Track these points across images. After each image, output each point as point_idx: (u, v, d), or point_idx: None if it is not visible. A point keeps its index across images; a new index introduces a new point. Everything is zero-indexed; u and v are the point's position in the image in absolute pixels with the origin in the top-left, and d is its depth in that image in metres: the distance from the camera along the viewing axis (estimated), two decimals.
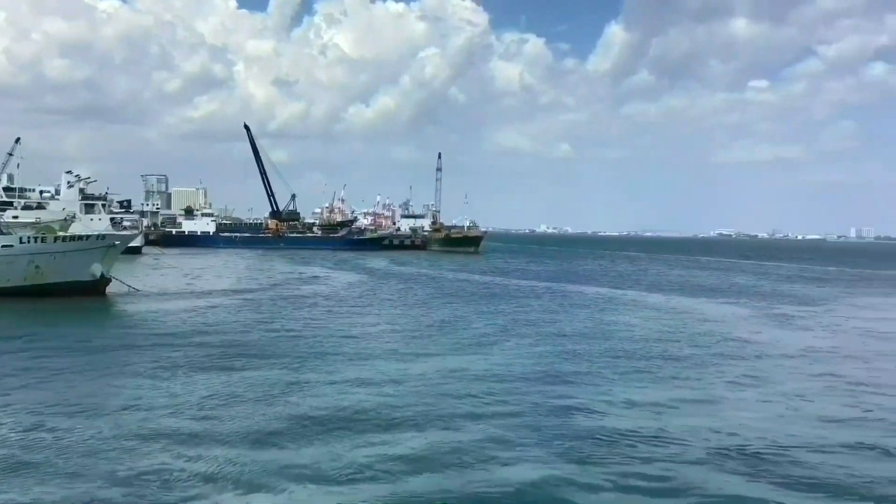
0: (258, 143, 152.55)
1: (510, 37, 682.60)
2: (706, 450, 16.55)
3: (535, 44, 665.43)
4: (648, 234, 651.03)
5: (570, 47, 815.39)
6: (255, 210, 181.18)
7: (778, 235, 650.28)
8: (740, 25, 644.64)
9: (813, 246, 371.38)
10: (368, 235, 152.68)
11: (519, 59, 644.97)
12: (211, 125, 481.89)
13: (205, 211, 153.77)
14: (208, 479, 14.13)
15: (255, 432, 16.96)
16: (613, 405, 20.49)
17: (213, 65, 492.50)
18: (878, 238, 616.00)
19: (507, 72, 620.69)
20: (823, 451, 16.77)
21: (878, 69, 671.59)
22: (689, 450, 16.52)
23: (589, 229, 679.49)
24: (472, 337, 32.73)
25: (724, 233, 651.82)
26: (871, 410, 20.80)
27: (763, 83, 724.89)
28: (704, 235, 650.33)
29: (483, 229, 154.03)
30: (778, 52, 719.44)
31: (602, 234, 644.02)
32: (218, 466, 14.73)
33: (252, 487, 13.79)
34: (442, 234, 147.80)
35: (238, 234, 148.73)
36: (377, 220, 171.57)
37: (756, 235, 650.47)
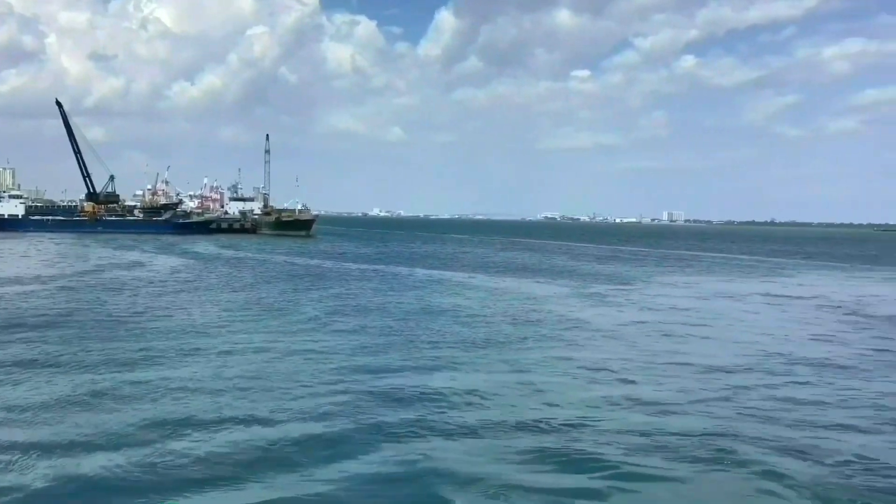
0: (72, 120, 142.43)
1: (341, 18, 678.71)
2: (518, 424, 17.35)
3: (366, 26, 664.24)
4: (479, 217, 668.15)
5: (401, 31, 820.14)
6: (70, 192, 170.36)
7: (598, 218, 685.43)
8: (563, 17, 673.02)
9: (629, 228, 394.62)
10: (195, 219, 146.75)
11: (350, 41, 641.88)
12: (20, 101, 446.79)
13: (12, 193, 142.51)
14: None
15: (55, 440, 15.70)
16: (432, 385, 20.94)
17: (23, 36, 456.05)
18: (687, 221, 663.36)
19: (338, 53, 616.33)
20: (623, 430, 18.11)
21: (689, 62, 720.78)
22: (500, 425, 17.24)
23: (421, 212, 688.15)
24: (300, 321, 32.51)
25: (550, 216, 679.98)
26: (667, 378, 22.58)
27: (585, 73, 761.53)
28: (532, 219, 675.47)
29: (315, 213, 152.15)
30: (598, 44, 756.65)
31: (434, 217, 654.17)
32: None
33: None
34: (272, 218, 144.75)
35: (50, 218, 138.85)
36: (204, 204, 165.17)
37: (578, 218, 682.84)
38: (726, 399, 20.29)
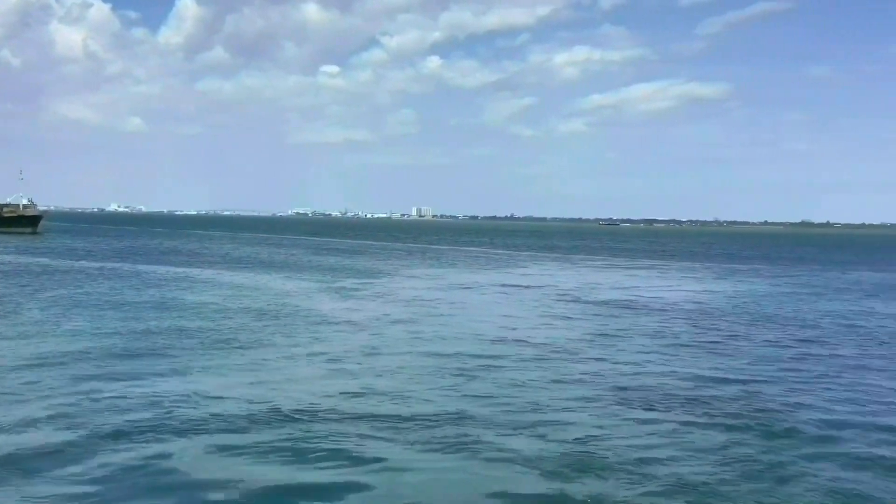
0: None
1: None
2: (256, 418, 17.16)
3: (100, 8, 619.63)
4: (227, 212, 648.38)
5: (139, 16, 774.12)
6: None
7: (350, 214, 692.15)
8: (311, 11, 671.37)
9: (380, 223, 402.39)
10: None
11: (82, 24, 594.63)
12: None
13: None
14: None
15: None
16: (166, 386, 20.01)
17: None
18: (435, 216, 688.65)
19: (68, 36, 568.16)
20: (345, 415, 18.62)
21: (434, 63, 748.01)
22: (240, 418, 16.95)
23: (165, 208, 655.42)
24: (24, 324, 29.79)
25: (301, 212, 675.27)
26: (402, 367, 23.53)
27: (334, 68, 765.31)
28: (282, 214, 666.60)
29: (43, 208, 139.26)
30: (347, 40, 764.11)
31: (179, 212, 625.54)
32: None
33: None
34: None
35: None
36: None
37: (330, 214, 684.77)
38: (462, 384, 21.26)
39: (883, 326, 35.82)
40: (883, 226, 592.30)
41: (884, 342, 31.11)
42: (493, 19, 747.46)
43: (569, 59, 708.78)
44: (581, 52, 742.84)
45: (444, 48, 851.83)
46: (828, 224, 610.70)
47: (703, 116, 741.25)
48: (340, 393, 19.88)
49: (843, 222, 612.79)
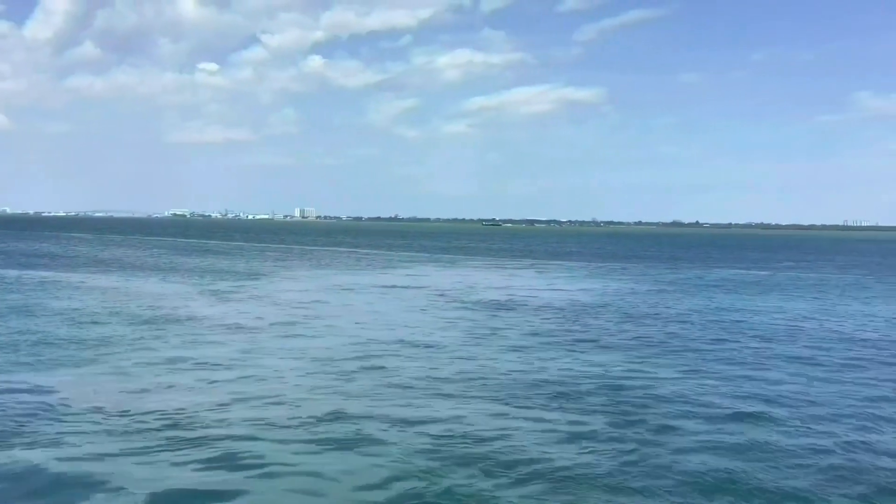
0: None
1: None
2: (128, 425, 16.77)
3: None
4: (99, 213, 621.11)
5: (4, 9, 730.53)
6: None
7: (231, 215, 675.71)
8: (188, 7, 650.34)
9: (262, 225, 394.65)
10: None
11: None
12: None
13: None
14: None
15: None
16: (33, 394, 19.33)
17: None
18: (319, 217, 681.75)
19: None
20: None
21: (316, 62, 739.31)
22: (106, 424, 16.61)
23: (31, 209, 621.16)
24: None
25: (179, 213, 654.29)
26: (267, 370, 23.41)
27: (213, 66, 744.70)
28: (159, 216, 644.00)
29: None
30: (226, 38, 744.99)
31: (47, 213, 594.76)
32: None
33: None
34: None
35: None
36: None
37: (210, 215, 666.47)
38: (340, 385, 21.33)
39: (742, 321, 38.10)
40: (748, 225, 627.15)
41: (743, 335, 33.13)
42: (376, 20, 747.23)
43: (451, 62, 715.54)
44: (463, 55, 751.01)
45: (327, 48, 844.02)
46: (697, 224, 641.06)
47: (581, 120, 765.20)
48: (216, 397, 19.58)
49: (711, 222, 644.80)
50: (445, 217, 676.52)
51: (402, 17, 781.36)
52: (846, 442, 16.87)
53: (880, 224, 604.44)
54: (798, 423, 18.44)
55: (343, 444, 15.91)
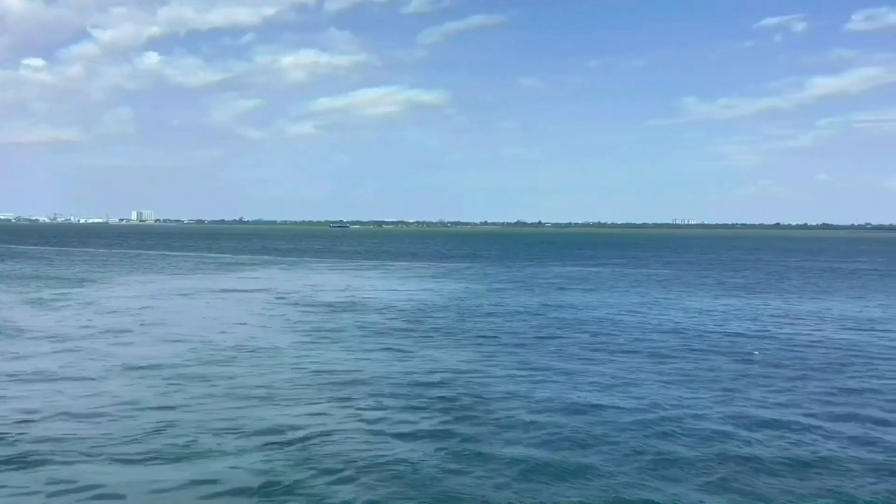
0: None
1: None
2: None
3: None
4: None
5: None
6: None
7: (60, 219, 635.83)
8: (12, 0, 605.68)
9: (95, 228, 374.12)
10: None
11: None
12: None
13: None
14: None
15: None
16: None
17: None
18: (158, 220, 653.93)
19: None
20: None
21: (153, 59, 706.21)
22: None
23: None
24: None
25: (3, 217, 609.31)
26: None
27: (39, 62, 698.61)
28: None
29: None
30: (52, 32, 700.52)
31: None
32: None
33: None
34: None
35: None
36: None
37: (37, 219, 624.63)
38: (173, 392, 20.73)
39: (573, 316, 39.91)
40: (586, 224, 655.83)
41: (571, 329, 34.72)
42: (217, 16, 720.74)
43: (296, 62, 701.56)
44: (308, 55, 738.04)
45: (164, 44, 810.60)
46: (539, 224, 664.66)
47: (427, 122, 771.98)
48: (38, 413, 18.47)
49: (552, 221, 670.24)
50: (293, 219, 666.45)
51: (244, 14, 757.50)
52: (665, 427, 18.13)
53: (706, 222, 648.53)
54: (624, 410, 19.61)
55: (173, 457, 15.44)
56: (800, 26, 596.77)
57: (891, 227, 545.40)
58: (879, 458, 15.83)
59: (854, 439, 17.13)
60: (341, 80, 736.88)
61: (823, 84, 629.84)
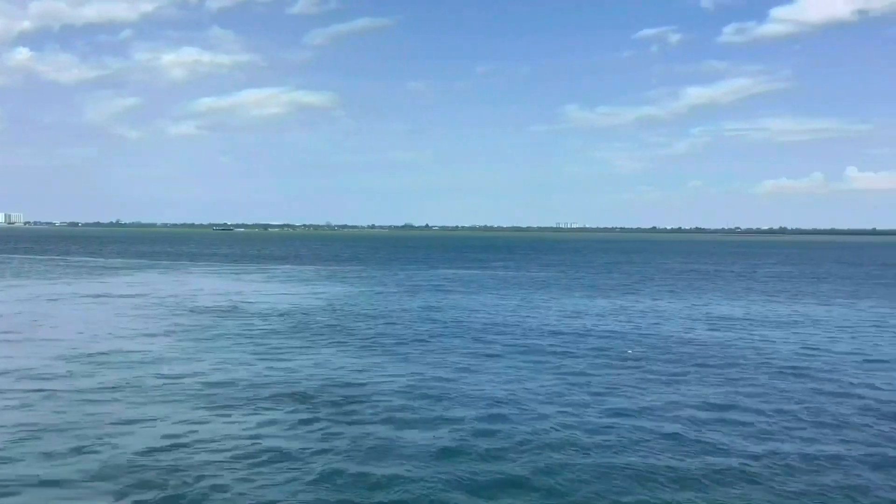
0: None
1: None
2: None
3: None
4: None
5: None
6: None
7: None
8: None
9: None
10: None
11: None
12: None
13: None
14: None
15: None
16: None
17: None
18: (28, 223, 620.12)
19: None
20: None
21: (23, 54, 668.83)
22: None
23: None
24: None
25: None
26: None
27: None
28: None
29: None
30: None
31: None
32: None
33: None
34: None
35: None
36: None
37: None
38: (37, 402, 20.03)
39: (455, 318, 40.61)
40: (473, 227, 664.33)
41: (450, 329, 35.34)
42: (92, 11, 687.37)
43: (177, 60, 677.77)
44: (190, 53, 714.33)
45: (36, 39, 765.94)
46: (427, 227, 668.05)
47: (313, 124, 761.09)
48: None
49: (440, 225, 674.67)
50: (174, 222, 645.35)
51: (121, 10, 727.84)
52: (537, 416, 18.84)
53: (587, 226, 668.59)
54: (507, 413, 20.23)
55: (32, 468, 14.98)
56: (675, 38, 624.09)
57: (758, 231, 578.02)
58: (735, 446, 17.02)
59: (712, 427, 18.35)
60: (225, 79, 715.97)
61: (697, 94, 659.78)
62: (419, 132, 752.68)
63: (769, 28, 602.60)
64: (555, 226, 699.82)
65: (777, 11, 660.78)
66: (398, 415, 19.38)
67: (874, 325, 39.47)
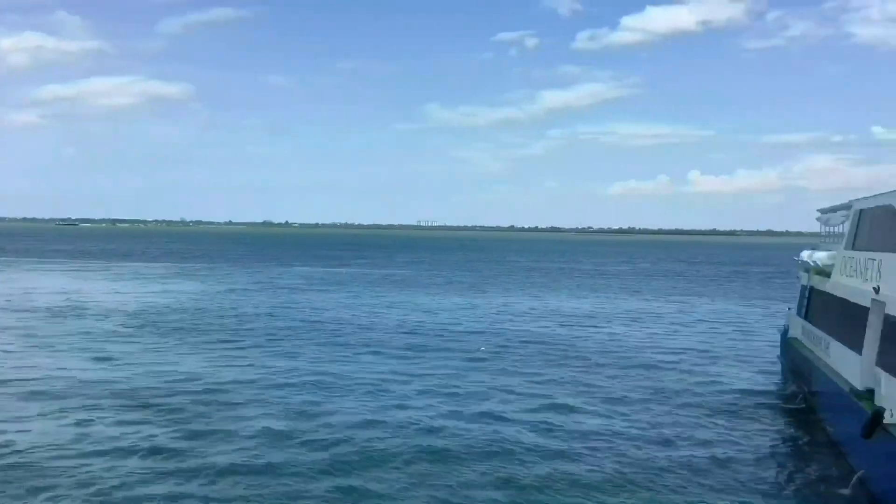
0: None
1: None
2: None
3: None
4: None
5: None
6: None
7: None
8: None
9: None
10: None
11: None
12: None
13: None
14: None
15: None
16: None
17: None
18: None
19: None
20: None
21: None
22: None
23: None
24: None
25: None
26: None
27: None
28: None
29: None
30: None
31: None
32: None
33: None
34: None
35: None
36: None
37: None
38: None
39: (305, 318, 40.36)
40: (335, 225, 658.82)
41: (311, 330, 35.15)
42: None
43: (17, 45, 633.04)
44: (32, 39, 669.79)
45: None
46: (287, 224, 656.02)
47: (167, 115, 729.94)
48: None
49: (300, 222, 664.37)
50: (13, 216, 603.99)
51: None
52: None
53: (448, 224, 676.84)
54: (354, 410, 20.38)
55: None
56: (532, 42, 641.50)
57: (609, 230, 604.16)
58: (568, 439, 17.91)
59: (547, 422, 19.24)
60: (70, 66, 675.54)
61: (553, 97, 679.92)
62: (279, 127, 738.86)
63: (620, 36, 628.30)
64: (416, 224, 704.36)
65: (627, 20, 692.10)
66: (227, 413, 19.20)
67: (701, 321, 42.43)
